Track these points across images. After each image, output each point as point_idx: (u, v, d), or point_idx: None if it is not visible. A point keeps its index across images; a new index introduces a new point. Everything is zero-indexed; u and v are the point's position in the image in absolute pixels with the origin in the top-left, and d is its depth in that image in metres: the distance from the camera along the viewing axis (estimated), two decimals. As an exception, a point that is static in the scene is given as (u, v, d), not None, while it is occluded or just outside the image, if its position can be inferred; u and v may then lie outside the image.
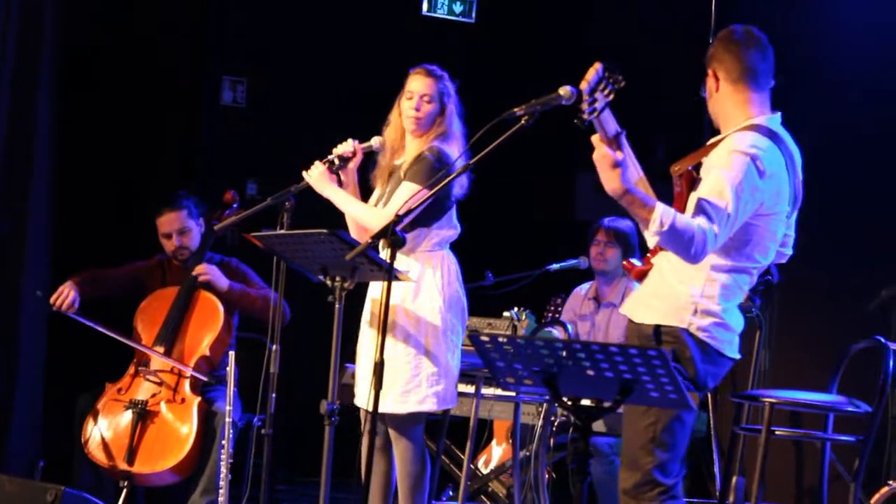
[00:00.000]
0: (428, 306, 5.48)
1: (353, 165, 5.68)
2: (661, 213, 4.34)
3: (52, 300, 6.64)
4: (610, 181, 4.36)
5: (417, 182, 5.47)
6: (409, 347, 5.45)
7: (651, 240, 4.46)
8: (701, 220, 4.37)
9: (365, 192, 5.76)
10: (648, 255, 4.78)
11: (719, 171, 4.46)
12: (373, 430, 4.87)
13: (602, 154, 4.35)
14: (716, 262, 4.54)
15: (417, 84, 5.62)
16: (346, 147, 5.65)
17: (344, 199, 5.62)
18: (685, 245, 4.36)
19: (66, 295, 6.64)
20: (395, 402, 5.43)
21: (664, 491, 4.53)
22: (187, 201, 6.91)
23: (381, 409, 5.42)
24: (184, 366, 6.59)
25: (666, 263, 4.64)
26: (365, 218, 5.59)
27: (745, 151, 4.47)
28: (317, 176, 5.59)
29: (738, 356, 4.66)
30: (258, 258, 6.32)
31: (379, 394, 4.76)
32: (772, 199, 4.54)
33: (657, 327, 4.57)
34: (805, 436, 6.52)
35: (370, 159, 5.77)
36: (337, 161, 5.62)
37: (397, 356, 5.45)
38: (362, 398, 5.59)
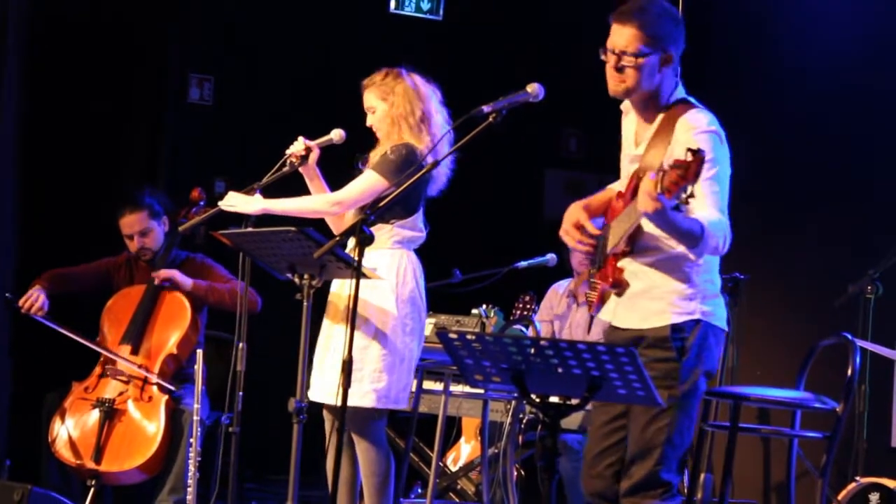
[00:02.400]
0: (379, 303, 5.44)
1: (312, 161, 5.64)
2: (709, 227, 4.18)
3: (20, 303, 6.62)
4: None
5: (377, 171, 5.46)
6: (357, 342, 5.41)
7: (693, 253, 4.29)
8: (715, 213, 4.24)
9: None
10: (611, 259, 4.51)
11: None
12: (341, 427, 4.85)
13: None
14: None
15: (365, 99, 5.62)
16: (297, 147, 5.62)
17: (279, 203, 5.53)
18: (719, 245, 4.25)
19: (34, 298, 6.62)
20: (338, 395, 5.37)
21: (667, 490, 4.44)
22: (149, 200, 6.86)
23: (328, 402, 5.46)
24: (149, 372, 6.55)
25: (637, 265, 4.45)
26: (307, 206, 5.52)
27: (714, 131, 4.35)
28: (237, 201, 5.51)
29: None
30: (226, 255, 6.31)
31: (347, 391, 4.74)
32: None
33: (673, 327, 4.39)
34: (772, 432, 6.56)
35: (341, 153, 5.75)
36: (296, 160, 5.59)
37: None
38: (315, 391, 5.52)
